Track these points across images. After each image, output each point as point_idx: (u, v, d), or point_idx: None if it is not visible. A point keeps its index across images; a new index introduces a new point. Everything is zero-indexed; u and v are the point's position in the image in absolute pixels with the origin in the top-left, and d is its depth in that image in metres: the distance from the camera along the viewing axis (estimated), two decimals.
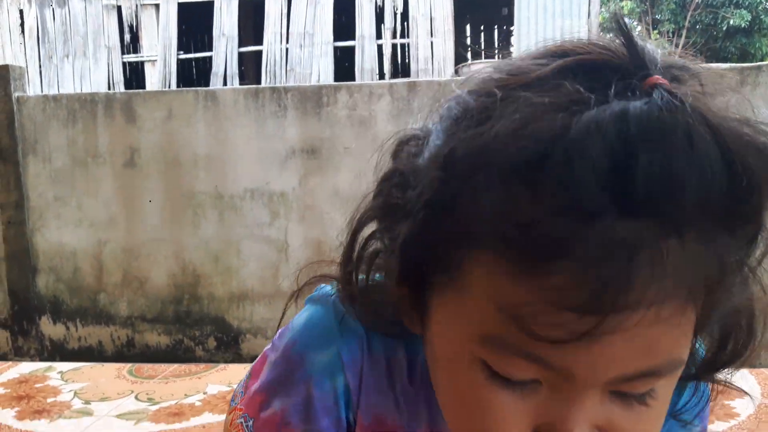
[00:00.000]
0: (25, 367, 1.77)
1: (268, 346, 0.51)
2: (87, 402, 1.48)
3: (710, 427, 1.22)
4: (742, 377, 1.60)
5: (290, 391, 0.46)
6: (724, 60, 9.17)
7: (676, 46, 9.16)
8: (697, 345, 0.40)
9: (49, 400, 1.50)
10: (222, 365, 1.99)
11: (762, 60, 8.19)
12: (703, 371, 0.41)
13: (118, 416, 1.37)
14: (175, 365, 1.88)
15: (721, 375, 0.42)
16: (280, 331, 0.51)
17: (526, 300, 0.32)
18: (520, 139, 0.31)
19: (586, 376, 0.34)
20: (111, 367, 1.78)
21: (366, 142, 2.73)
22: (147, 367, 1.78)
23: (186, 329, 2.73)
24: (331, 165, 2.76)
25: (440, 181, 0.35)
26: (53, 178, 2.99)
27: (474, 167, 0.33)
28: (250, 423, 0.48)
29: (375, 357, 0.46)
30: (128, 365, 1.86)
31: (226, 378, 1.66)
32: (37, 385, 1.60)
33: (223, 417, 1.34)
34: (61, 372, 1.72)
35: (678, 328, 0.33)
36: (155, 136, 2.87)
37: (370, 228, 0.42)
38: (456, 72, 7.54)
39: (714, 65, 2.81)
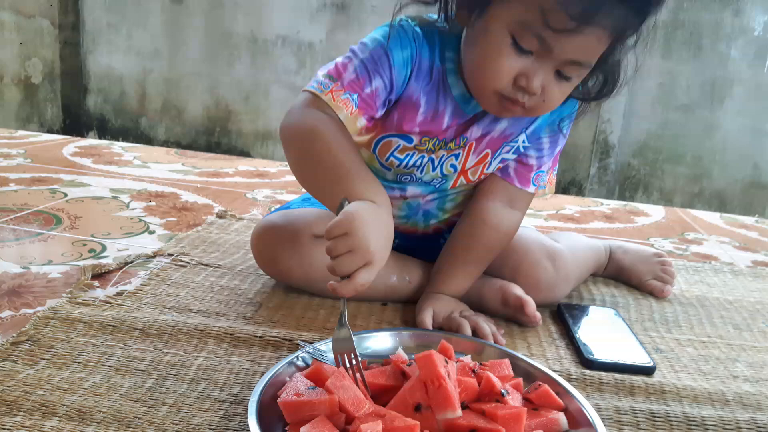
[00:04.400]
0: (92, 141, 2.26)
1: (346, 56, 0.79)
2: (145, 162, 1.91)
3: (610, 225, 1.19)
4: (655, 209, 1.67)
5: (380, 70, 0.76)
6: None
7: None
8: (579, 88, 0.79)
9: (115, 158, 1.93)
10: (250, 158, 2.49)
11: None
12: (585, 97, 0.82)
13: (170, 171, 1.80)
14: (212, 154, 2.42)
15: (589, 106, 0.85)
16: (356, 46, 0.79)
17: (552, 8, 0.65)
18: None
19: (557, 54, 0.69)
20: (159, 149, 2.28)
21: (392, 2, 2.86)
22: (189, 153, 2.28)
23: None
24: (358, 21, 2.91)
25: None
26: (108, 6, 3.14)
27: None
28: (355, 96, 0.75)
29: (423, 62, 0.79)
30: (173, 149, 2.37)
31: (254, 164, 2.09)
32: (105, 150, 2.05)
33: (250, 180, 1.79)
34: (121, 146, 2.20)
35: (598, 47, 0.70)
36: None
37: None
38: None
39: None
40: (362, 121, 0.77)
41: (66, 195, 1.41)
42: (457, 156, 0.87)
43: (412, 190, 0.93)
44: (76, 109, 3.23)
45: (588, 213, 1.75)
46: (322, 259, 0.87)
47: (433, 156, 0.87)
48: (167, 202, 1.43)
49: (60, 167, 1.68)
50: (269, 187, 1.71)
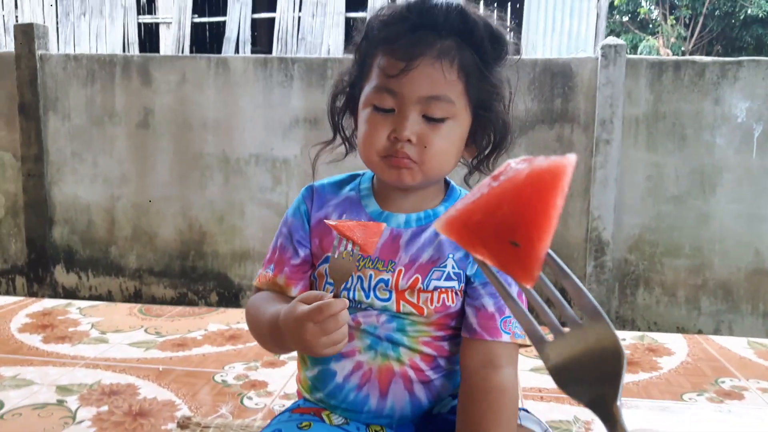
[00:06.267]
0: (48, 303, 1.99)
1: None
2: (103, 332, 1.68)
3: (635, 377, 1.39)
4: (674, 340, 1.74)
5: (284, 241, 0.86)
6: (739, 50, 8.74)
7: (692, 32, 8.84)
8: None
9: (69, 329, 1.70)
10: (222, 309, 2.18)
11: None
12: (481, 162, 0.84)
13: (130, 344, 1.57)
14: (180, 307, 2.10)
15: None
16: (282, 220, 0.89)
17: (384, 62, 0.75)
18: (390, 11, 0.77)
19: (409, 96, 0.74)
20: (123, 307, 2.02)
21: None
22: (155, 308, 2.01)
23: (190, 283, 2.80)
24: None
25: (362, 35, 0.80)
26: (71, 135, 3.03)
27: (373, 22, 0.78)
28: (271, 266, 0.85)
29: (324, 195, 0.87)
30: (138, 305, 2.08)
31: (225, 319, 1.86)
32: (59, 317, 1.80)
33: (220, 348, 1.58)
34: (79, 308, 1.94)
35: (445, 77, 0.75)
36: (168, 99, 2.92)
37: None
38: None
39: (698, 57, 2.78)
40: (282, 279, 0.84)
41: (3, 405, 1.22)
42: (386, 282, 0.81)
43: (362, 314, 0.83)
44: (41, 242, 3.07)
45: None
46: None
47: (361, 275, 0.82)
48: (122, 403, 1.24)
49: (2, 354, 1.50)
50: (242, 358, 1.53)
